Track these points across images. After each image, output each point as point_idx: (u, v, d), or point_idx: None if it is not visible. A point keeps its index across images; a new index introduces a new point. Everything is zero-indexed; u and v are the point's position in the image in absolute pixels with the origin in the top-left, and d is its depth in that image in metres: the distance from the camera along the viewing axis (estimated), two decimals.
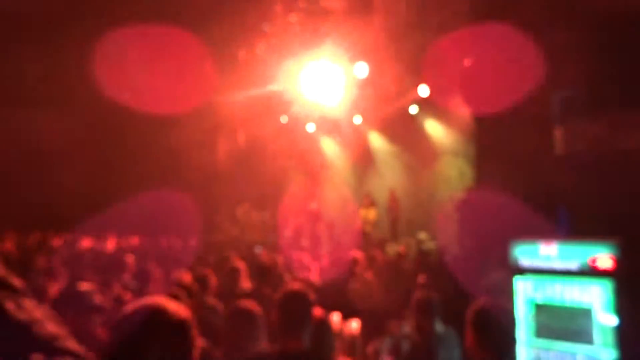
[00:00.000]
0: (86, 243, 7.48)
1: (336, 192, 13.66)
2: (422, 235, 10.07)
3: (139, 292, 3.59)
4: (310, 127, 13.17)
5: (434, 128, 11.81)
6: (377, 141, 12.92)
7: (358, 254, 5.71)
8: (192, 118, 11.79)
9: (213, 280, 3.72)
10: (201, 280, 3.57)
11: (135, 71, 10.11)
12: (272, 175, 13.70)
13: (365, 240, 10.41)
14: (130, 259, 4.77)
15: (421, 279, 4.48)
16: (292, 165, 14.08)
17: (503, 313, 2.05)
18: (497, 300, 2.12)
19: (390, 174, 12.63)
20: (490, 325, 1.97)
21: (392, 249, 9.16)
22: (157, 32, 8.54)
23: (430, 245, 9.20)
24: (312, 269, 5.26)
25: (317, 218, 11.70)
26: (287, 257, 5.70)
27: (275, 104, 11.53)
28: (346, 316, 3.16)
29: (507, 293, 2.50)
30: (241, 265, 4.28)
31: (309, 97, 10.60)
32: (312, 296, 2.16)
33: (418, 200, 11.93)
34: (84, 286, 2.27)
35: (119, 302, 3.07)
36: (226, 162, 12.65)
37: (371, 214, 10.66)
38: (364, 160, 13.07)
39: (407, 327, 3.07)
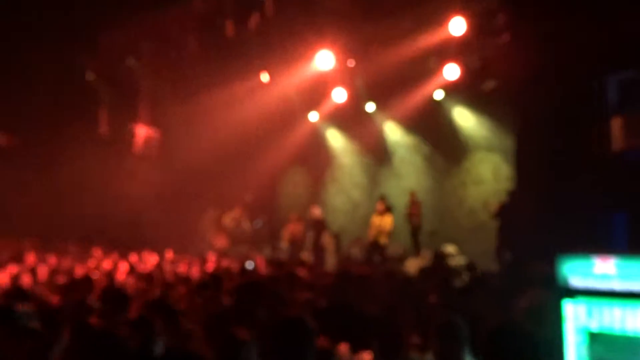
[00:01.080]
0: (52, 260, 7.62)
1: (344, 195, 13.70)
2: (449, 249, 10.18)
3: (108, 315, 3.68)
4: (313, 116, 13.16)
5: (464, 117, 11.83)
6: (394, 133, 12.95)
7: (370, 271, 5.75)
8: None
9: (194, 301, 3.75)
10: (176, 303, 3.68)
11: None
12: (266, 175, 13.76)
13: (380, 254, 10.42)
14: (96, 277, 4.84)
15: (435, 298, 4.47)
16: (290, 163, 14.10)
17: (523, 338, 2.03)
18: (520, 323, 2.12)
19: (410, 173, 12.67)
20: (504, 351, 1.95)
21: (413, 264, 9.19)
22: None
23: (459, 260, 9.25)
24: (314, 287, 5.32)
25: (321, 227, 11.71)
26: (284, 274, 5.77)
27: (270, 89, 11.66)
28: (357, 346, 3.14)
29: (553, 319, 2.48)
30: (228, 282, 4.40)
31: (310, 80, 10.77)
32: (314, 323, 2.16)
33: (444, 206, 11.96)
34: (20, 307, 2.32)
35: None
36: (210, 159, 12.68)
37: (387, 222, 10.64)
38: (378, 156, 13.11)
39: (429, 358, 3.05)
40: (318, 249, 11.34)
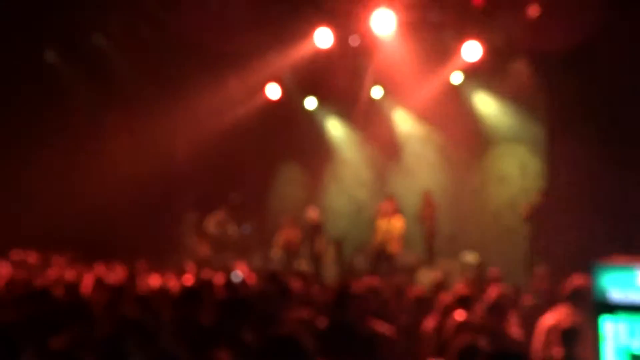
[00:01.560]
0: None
1: (346, 196, 13.73)
2: (469, 257, 10.29)
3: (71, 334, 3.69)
4: (310, 103, 13.18)
5: (486, 104, 11.85)
6: (405, 123, 12.96)
7: (378, 283, 5.80)
8: None
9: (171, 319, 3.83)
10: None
11: None
12: (256, 172, 13.79)
13: (388, 264, 10.44)
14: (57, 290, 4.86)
15: (460, 316, 4.45)
16: (284, 158, 14.16)
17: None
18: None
19: (423, 170, 12.68)
20: None
21: (427, 276, 9.20)
22: None
23: (480, 270, 9.32)
24: (312, 304, 5.32)
25: (320, 232, 11.72)
26: (276, 288, 5.73)
27: (260, 72, 11.64)
28: None
29: (590, 338, 2.49)
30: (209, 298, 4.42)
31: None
32: (311, 342, 2.20)
33: (463, 207, 11.98)
34: None
35: None
36: (191, 154, 12.71)
37: (396, 226, 10.63)
38: (386, 149, 13.12)
39: None
40: (316, 258, 11.36)
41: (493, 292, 5.05)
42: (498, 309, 4.66)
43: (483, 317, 4.68)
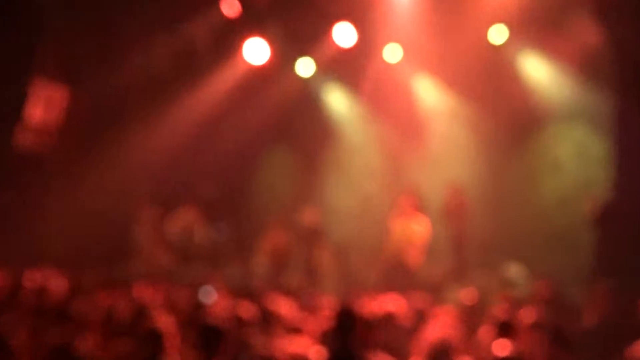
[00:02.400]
0: None
1: (351, 189, 13.70)
2: (511, 270, 10.41)
3: None
4: (304, 67, 13.15)
5: (536, 69, 11.84)
6: (429, 94, 12.92)
7: (393, 304, 5.85)
8: None
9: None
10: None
11: None
12: (233, 158, 13.75)
13: (406, 278, 10.41)
14: None
15: (501, 348, 4.51)
16: (269, 139, 14.16)
17: None
18: None
19: (452, 156, 12.67)
20: None
21: (456, 295, 9.20)
22: None
23: (525, 287, 9.47)
24: (305, 329, 5.36)
25: (317, 237, 11.77)
26: (260, 308, 5.80)
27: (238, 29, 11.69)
28: None
29: None
30: (170, 323, 4.40)
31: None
32: None
33: (504, 205, 11.97)
34: None
35: None
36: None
37: (416, 229, 10.65)
38: (403, 129, 13.08)
39: None
40: (312, 271, 11.45)
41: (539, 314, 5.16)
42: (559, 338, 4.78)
43: (532, 346, 4.75)
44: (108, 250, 12.15)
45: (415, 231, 10.55)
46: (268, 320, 5.41)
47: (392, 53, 12.30)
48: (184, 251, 12.56)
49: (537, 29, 11.24)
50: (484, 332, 5.75)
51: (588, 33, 10.63)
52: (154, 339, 4.46)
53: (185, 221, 12.76)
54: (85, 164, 12.52)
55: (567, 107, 11.59)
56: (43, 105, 12.58)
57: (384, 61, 12.39)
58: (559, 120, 11.76)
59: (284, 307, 6.04)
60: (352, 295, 9.03)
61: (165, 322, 4.76)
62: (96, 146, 12.78)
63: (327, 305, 6.83)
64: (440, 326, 5.55)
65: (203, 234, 12.83)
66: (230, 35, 12.31)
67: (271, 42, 12.40)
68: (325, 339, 4.89)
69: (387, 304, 6.15)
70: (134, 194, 13.15)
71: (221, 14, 12.09)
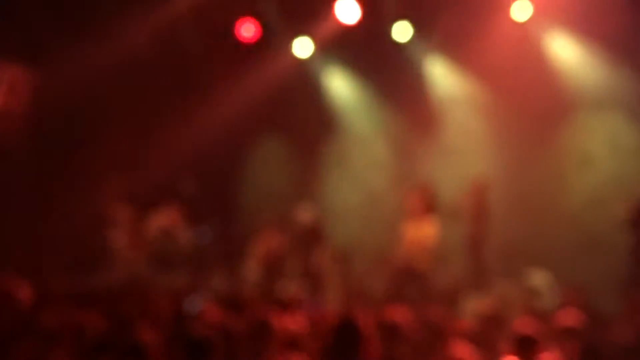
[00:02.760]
0: None
1: (355, 184, 13.71)
2: (537, 278, 10.31)
3: None
4: (301, 47, 13.18)
5: (565, 51, 11.84)
6: (443, 78, 12.92)
7: (401, 317, 5.85)
8: None
9: None
10: None
11: None
12: (220, 148, 13.75)
13: (417, 286, 10.48)
14: None
15: None
16: (261, 127, 14.21)
17: None
18: None
19: (470, 148, 12.68)
20: None
21: (474, 305, 9.08)
22: None
23: (551, 298, 9.57)
24: (302, 344, 5.42)
25: (316, 239, 11.75)
26: (252, 320, 5.80)
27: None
28: None
29: None
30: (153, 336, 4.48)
31: None
32: None
33: (528, 204, 11.97)
34: None
35: None
36: (120, 120, 12.83)
37: (429, 230, 10.65)
38: (415, 117, 13.08)
39: None
40: (311, 278, 11.43)
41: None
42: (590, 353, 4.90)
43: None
44: (78, 256, 12.22)
45: (428, 233, 10.57)
46: (260, 334, 5.42)
47: (401, 32, 12.28)
48: (164, 256, 12.53)
49: (565, 4, 11.25)
50: (505, 347, 5.78)
51: (623, 10, 10.65)
52: (135, 355, 4.50)
53: (166, 222, 12.73)
54: (56, 156, 12.55)
55: (599, 94, 11.58)
56: (4, 89, 12.58)
57: (392, 41, 12.37)
58: (590, 108, 11.76)
59: (278, 319, 6.01)
60: (356, 306, 9.09)
61: (147, 335, 4.81)
62: (67, 137, 12.80)
63: (328, 317, 6.81)
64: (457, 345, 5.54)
65: (186, 237, 12.80)
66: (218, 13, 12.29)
67: (263, 20, 12.46)
68: (324, 355, 4.96)
69: (396, 315, 6.08)
70: (107, 192, 13.11)
71: None
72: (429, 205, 10.80)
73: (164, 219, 12.74)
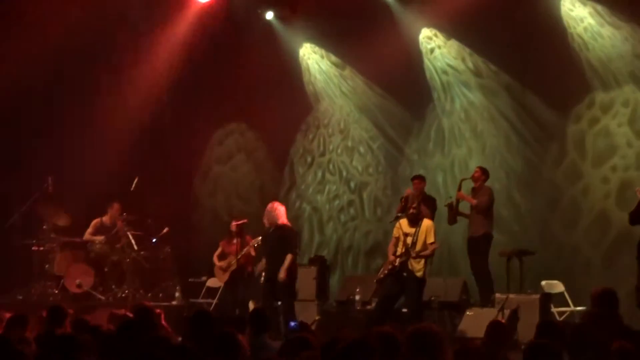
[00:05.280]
0: None
1: (336, 181, 13.43)
2: (556, 286, 10.42)
3: None
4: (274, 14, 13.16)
5: (584, 17, 11.46)
6: (442, 54, 12.61)
7: (392, 330, 5.64)
8: None
9: None
10: None
11: None
12: (173, 138, 13.64)
13: (410, 291, 10.03)
14: None
15: None
16: (225, 113, 13.89)
17: None
18: None
19: (473, 137, 12.48)
20: None
21: (479, 319, 9.09)
22: None
23: (571, 306, 9.74)
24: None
25: (288, 241, 10.87)
26: (211, 342, 5.50)
27: None
28: None
29: None
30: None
31: None
32: None
33: (542, 201, 11.87)
34: None
35: None
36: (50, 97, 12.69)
37: (425, 230, 10.12)
38: (407, 100, 12.91)
39: None
40: (283, 288, 10.76)
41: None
42: None
43: None
44: (14, 268, 12.22)
45: (423, 231, 10.09)
46: (224, 353, 5.14)
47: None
48: (111, 267, 12.29)
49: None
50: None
51: None
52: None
53: (111, 231, 12.45)
54: None
55: (623, 70, 11.23)
56: None
57: (382, 8, 12.15)
58: (612, 87, 11.34)
59: (245, 340, 5.77)
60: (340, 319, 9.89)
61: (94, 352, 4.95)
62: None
63: (307, 338, 6.32)
64: None
65: (133, 247, 12.54)
66: None
67: None
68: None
69: (386, 329, 5.79)
70: (47, 199, 12.80)
71: None
72: (426, 204, 10.48)
73: (110, 228, 12.42)
